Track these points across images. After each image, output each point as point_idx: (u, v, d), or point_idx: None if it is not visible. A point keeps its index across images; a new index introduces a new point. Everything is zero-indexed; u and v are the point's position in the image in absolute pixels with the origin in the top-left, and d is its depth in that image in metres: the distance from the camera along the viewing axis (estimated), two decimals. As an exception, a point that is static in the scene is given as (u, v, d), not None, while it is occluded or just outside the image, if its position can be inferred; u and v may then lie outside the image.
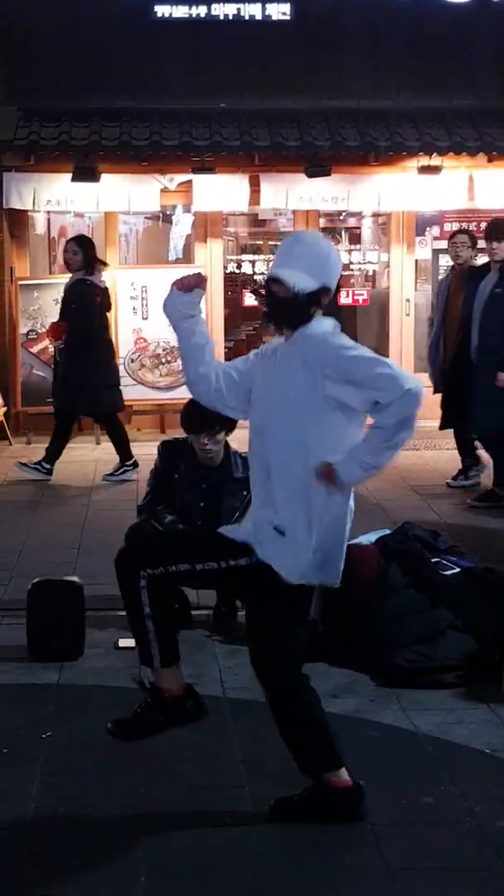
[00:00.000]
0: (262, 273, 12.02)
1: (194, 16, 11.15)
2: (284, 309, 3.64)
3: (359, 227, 13.58)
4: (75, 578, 5.60)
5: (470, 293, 8.46)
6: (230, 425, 5.44)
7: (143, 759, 4.19)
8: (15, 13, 11.06)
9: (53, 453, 9.35)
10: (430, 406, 7.90)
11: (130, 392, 10.57)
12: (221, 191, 11.04)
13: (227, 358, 12.18)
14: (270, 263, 11.78)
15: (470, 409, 8.33)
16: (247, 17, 11.18)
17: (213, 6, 11.14)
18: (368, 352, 3.63)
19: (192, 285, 3.76)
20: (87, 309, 9.21)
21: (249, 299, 11.79)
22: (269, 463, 3.65)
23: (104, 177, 10.80)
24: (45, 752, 4.36)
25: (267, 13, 11.19)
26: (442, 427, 9.00)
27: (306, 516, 3.62)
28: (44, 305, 11.02)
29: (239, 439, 4.91)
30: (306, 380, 3.58)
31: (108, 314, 9.60)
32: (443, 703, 4.88)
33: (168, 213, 13.29)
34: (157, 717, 3.78)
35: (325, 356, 3.58)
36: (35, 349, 11.11)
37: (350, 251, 12.73)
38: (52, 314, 10.82)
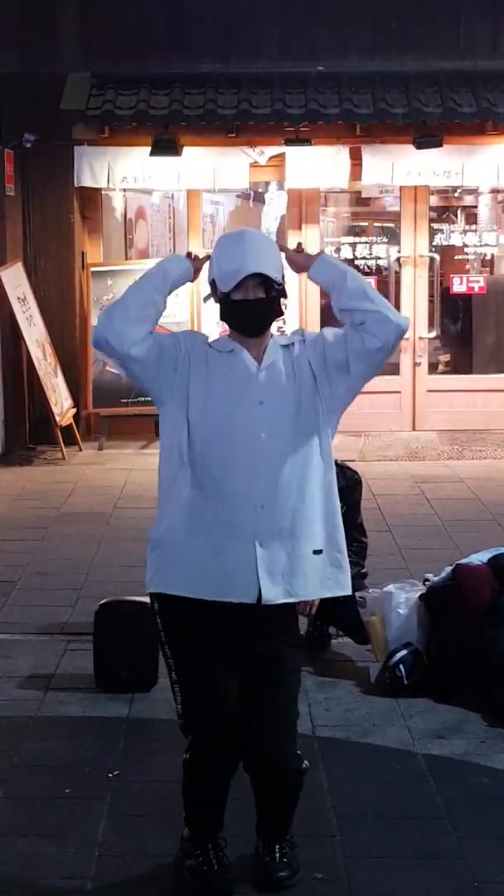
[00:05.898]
0: (365, 258, 11.99)
1: (289, -32, 11.20)
2: (270, 308, 3.68)
3: (475, 206, 13.49)
4: (147, 599, 5.63)
5: None
6: None
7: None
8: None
9: None
10: None
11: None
12: (318, 165, 11.05)
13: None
14: (374, 248, 11.99)
15: None
16: (348, -32, 11.20)
17: (310, -44, 11.18)
18: None
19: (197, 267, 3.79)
20: None
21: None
22: (263, 491, 3.59)
23: (186, 150, 10.89)
24: (113, 793, 4.42)
25: (370, -38, 11.18)
26: None
27: (322, 517, 3.68)
28: (118, 295, 11.09)
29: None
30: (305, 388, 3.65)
31: None
32: None
33: (259, 190, 13.35)
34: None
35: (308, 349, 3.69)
36: (108, 344, 11.20)
37: (465, 232, 12.65)
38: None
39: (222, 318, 3.72)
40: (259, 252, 3.65)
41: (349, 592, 3.83)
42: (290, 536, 3.63)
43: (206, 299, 3.81)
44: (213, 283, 3.70)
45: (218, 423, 3.61)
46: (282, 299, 3.69)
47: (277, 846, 3.80)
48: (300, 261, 3.77)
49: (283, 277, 3.67)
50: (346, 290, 3.63)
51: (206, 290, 3.76)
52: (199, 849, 3.79)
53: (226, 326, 3.75)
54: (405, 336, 3.73)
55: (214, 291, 3.70)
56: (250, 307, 3.64)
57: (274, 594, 3.61)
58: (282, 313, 3.72)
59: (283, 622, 3.72)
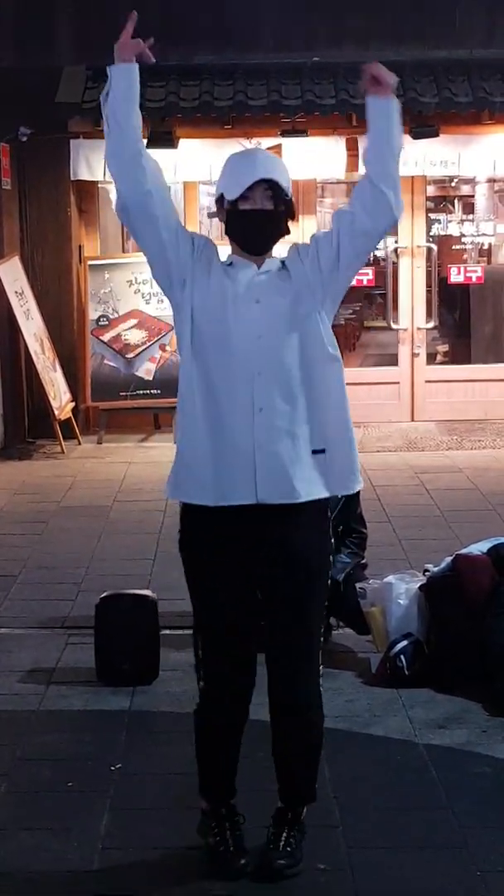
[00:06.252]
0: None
1: (284, -43, 11.17)
2: (277, 223, 3.68)
3: (472, 195, 13.49)
4: (148, 592, 5.66)
5: None
6: None
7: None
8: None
9: None
10: None
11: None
12: (315, 156, 11.04)
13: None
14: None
15: None
16: (344, -44, 11.16)
17: None
18: None
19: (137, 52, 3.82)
20: None
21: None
22: (262, 393, 3.57)
23: (182, 142, 10.88)
24: (115, 787, 4.43)
25: (366, -50, 11.15)
26: None
27: (326, 414, 3.64)
28: (116, 288, 11.14)
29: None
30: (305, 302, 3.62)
31: None
32: None
33: (256, 182, 13.34)
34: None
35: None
36: (107, 337, 11.24)
37: (462, 222, 12.67)
38: (126, 298, 10.96)
39: (227, 231, 3.70)
40: (269, 163, 3.68)
41: (352, 491, 3.79)
42: (291, 437, 3.59)
43: (210, 216, 3.79)
44: (219, 199, 3.69)
45: (215, 320, 3.59)
46: (289, 221, 3.68)
47: (285, 833, 3.80)
48: (380, 79, 3.72)
49: (291, 196, 3.66)
50: (383, 150, 3.69)
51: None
52: (217, 826, 3.81)
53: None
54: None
55: (221, 206, 3.68)
56: (257, 217, 3.63)
57: (271, 494, 3.58)
58: (288, 233, 3.68)
59: (297, 562, 3.67)
